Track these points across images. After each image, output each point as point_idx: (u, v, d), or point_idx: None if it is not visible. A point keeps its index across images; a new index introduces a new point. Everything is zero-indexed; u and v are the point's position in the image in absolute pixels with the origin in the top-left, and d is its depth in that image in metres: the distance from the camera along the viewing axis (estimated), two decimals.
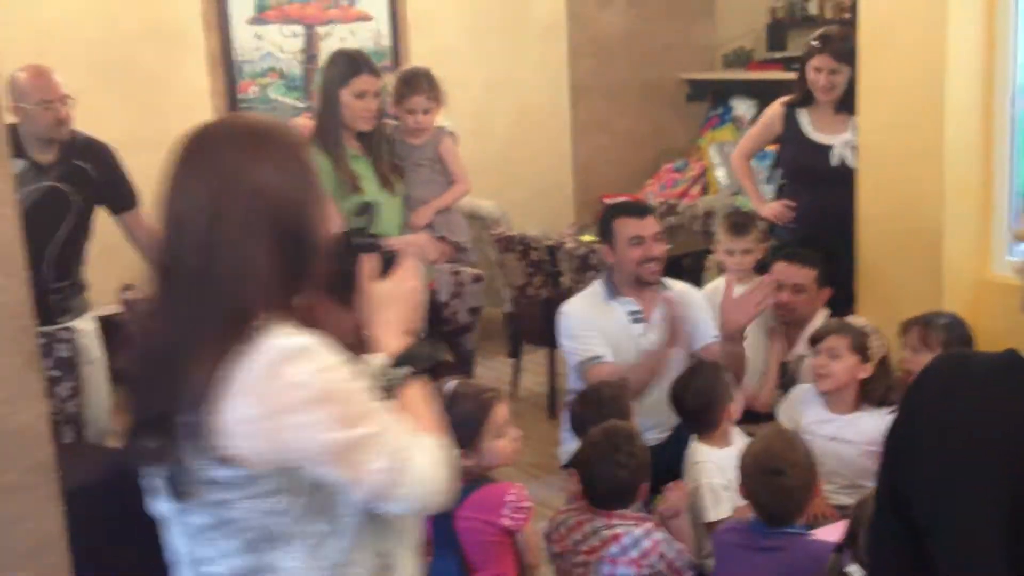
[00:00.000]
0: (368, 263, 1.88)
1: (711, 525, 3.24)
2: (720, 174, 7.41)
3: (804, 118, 4.62)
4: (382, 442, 1.66)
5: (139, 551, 2.19)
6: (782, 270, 4.12)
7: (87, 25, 5.89)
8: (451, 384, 2.93)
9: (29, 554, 2.40)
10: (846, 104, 4.44)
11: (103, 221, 4.33)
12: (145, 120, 5.93)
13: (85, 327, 4.24)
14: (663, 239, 4.00)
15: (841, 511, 3.18)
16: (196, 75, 6.30)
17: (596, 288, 4.03)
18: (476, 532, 2.84)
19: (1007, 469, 1.61)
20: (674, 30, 7.92)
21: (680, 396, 3.54)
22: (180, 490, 1.66)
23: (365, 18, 6.88)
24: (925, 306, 3.80)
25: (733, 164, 5.13)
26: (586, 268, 5.24)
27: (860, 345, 3.53)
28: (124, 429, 1.73)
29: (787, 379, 4.02)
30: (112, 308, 4.96)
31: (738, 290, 4.11)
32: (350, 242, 1.88)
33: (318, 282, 1.76)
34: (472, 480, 2.85)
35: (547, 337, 5.26)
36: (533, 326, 5.70)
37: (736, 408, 3.49)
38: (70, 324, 4.14)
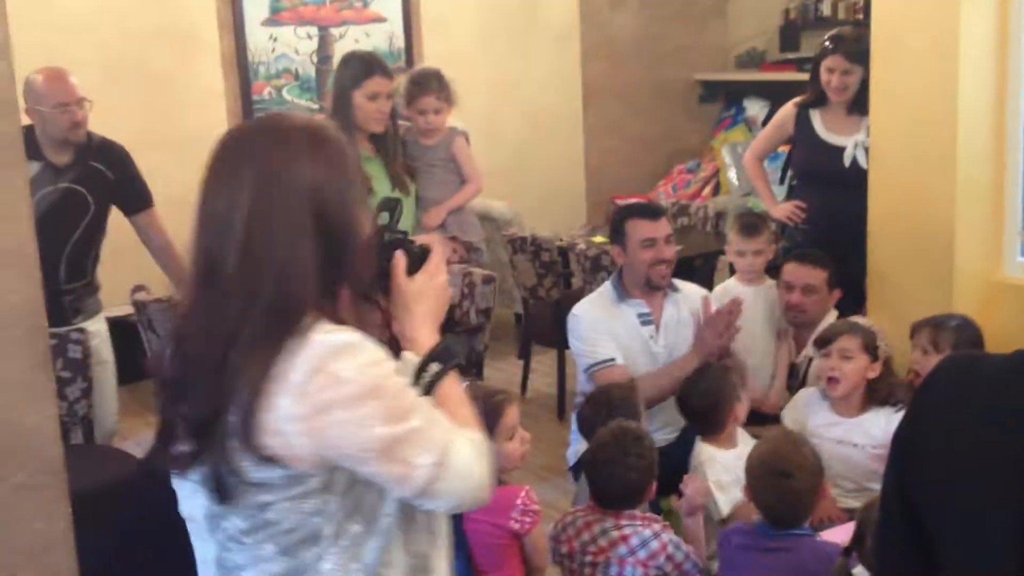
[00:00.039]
0: (399, 259, 1.87)
1: (719, 523, 3.24)
2: (732, 175, 7.40)
3: (816, 119, 4.61)
4: (427, 437, 1.66)
5: (155, 556, 2.20)
6: (793, 271, 4.12)
7: (101, 26, 5.92)
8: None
9: (36, 554, 2.41)
10: (859, 105, 4.43)
11: (113, 222, 4.35)
12: (159, 121, 5.97)
13: (97, 328, 4.27)
14: (675, 241, 3.99)
15: (849, 514, 3.17)
16: (210, 76, 6.33)
17: (606, 290, 4.02)
18: (484, 535, 2.84)
19: (1017, 471, 1.60)
20: (687, 31, 7.93)
21: (687, 397, 3.55)
22: (224, 492, 1.64)
23: (379, 19, 6.90)
24: (935, 308, 3.79)
25: (745, 165, 5.12)
26: (598, 270, 5.24)
27: (870, 344, 3.53)
28: (158, 431, 1.72)
29: (796, 380, 4.02)
30: (122, 310, 5.00)
31: (746, 291, 4.11)
32: (383, 238, 1.88)
33: (359, 280, 1.76)
34: None
35: (557, 338, 5.27)
36: (544, 327, 5.71)
37: (743, 410, 3.49)
38: (82, 325, 4.16)
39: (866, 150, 4.38)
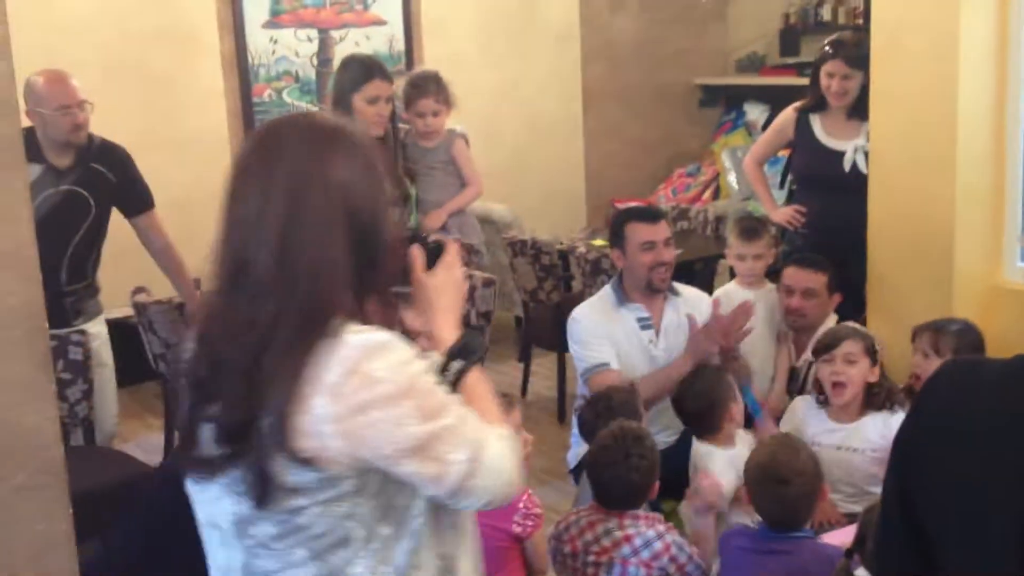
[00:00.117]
0: (417, 254, 1.86)
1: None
2: (732, 179, 7.41)
3: (816, 124, 4.61)
4: (459, 434, 1.65)
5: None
6: (793, 275, 4.12)
7: (101, 27, 5.92)
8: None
9: (37, 555, 2.41)
10: (859, 110, 4.43)
11: (112, 224, 4.36)
12: (159, 122, 5.97)
13: (97, 330, 4.27)
14: (674, 244, 3.99)
15: (850, 519, 3.17)
16: (210, 78, 6.33)
17: (606, 294, 4.02)
18: (485, 538, 2.81)
19: (1017, 476, 1.60)
20: (687, 35, 7.93)
21: (681, 400, 3.56)
22: (258, 496, 1.61)
23: (379, 22, 6.90)
24: (936, 312, 3.79)
25: (745, 169, 5.12)
26: (597, 273, 5.24)
27: (871, 348, 3.53)
28: (183, 435, 1.69)
29: (796, 384, 4.02)
30: (122, 311, 5.00)
31: (746, 295, 4.11)
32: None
33: (389, 280, 1.76)
34: None
35: (557, 341, 5.27)
36: (544, 330, 5.71)
37: (738, 410, 3.49)
38: (83, 327, 4.16)
39: (866, 155, 4.39)
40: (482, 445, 1.67)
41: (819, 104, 4.60)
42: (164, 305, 4.61)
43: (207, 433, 1.65)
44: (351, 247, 1.65)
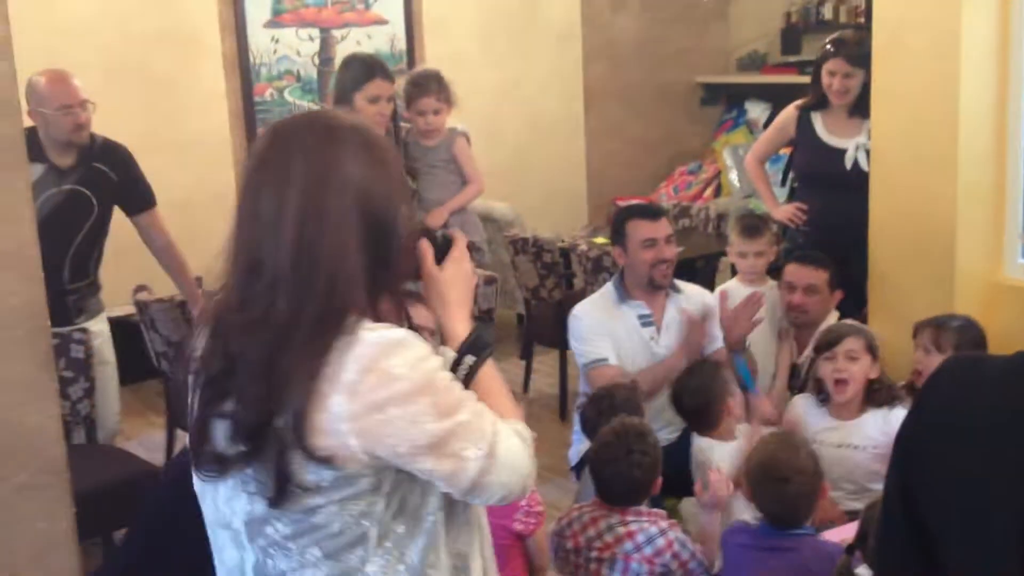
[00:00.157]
0: (426, 248, 1.85)
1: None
2: (733, 177, 7.41)
3: (818, 122, 4.61)
4: (475, 429, 1.65)
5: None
6: (794, 272, 4.13)
7: (103, 28, 5.92)
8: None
9: (39, 554, 2.41)
10: (860, 108, 4.43)
11: (114, 223, 4.36)
12: (160, 123, 5.97)
13: (99, 328, 4.27)
14: (675, 241, 4.00)
15: (851, 516, 3.17)
16: (212, 78, 6.33)
17: (607, 291, 4.03)
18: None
19: (1019, 473, 1.60)
20: (688, 34, 7.93)
21: (679, 395, 3.57)
22: (274, 495, 1.60)
23: (381, 22, 6.90)
24: (937, 309, 3.79)
25: (747, 167, 5.12)
26: (599, 270, 5.25)
27: (872, 345, 3.53)
28: (194, 432, 1.67)
29: (797, 381, 4.02)
30: (124, 310, 5.00)
31: (747, 292, 4.11)
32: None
33: (403, 277, 1.75)
34: None
35: (559, 339, 5.27)
36: (545, 328, 5.72)
37: (737, 404, 3.50)
38: (85, 325, 4.16)
39: (867, 153, 4.39)
40: (497, 440, 1.67)
41: (820, 102, 4.60)
42: (166, 303, 4.61)
43: (220, 430, 1.64)
44: (366, 245, 1.65)
